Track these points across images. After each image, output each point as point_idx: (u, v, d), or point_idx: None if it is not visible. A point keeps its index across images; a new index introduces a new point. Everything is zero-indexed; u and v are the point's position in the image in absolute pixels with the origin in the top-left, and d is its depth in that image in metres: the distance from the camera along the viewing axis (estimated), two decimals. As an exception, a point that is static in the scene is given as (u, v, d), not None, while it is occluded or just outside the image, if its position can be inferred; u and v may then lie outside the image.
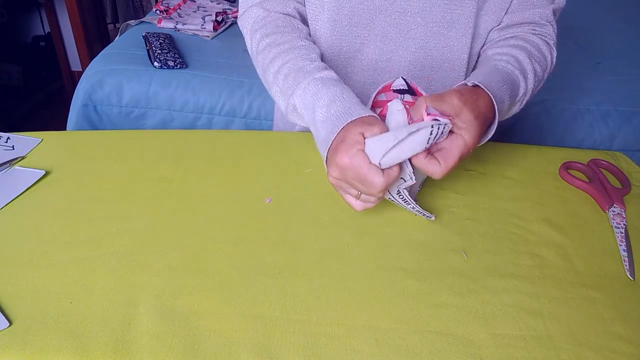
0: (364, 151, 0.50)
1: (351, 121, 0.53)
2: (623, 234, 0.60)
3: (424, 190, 0.66)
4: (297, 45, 0.65)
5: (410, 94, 0.61)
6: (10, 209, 0.60)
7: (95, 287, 0.50)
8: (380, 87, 0.63)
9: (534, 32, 0.71)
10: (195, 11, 1.78)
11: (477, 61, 0.75)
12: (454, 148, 0.52)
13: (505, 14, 0.70)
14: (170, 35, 1.57)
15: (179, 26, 1.64)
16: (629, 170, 0.72)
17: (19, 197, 0.62)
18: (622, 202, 0.65)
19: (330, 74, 0.61)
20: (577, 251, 0.58)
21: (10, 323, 0.46)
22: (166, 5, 1.77)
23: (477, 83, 0.56)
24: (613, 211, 0.64)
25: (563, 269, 0.55)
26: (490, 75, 0.61)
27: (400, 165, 0.51)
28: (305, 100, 0.59)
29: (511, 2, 0.69)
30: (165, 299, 0.49)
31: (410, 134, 0.49)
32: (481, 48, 0.74)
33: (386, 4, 0.67)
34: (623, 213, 0.63)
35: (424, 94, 0.61)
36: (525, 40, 0.69)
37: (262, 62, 0.68)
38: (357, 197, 0.54)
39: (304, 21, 0.73)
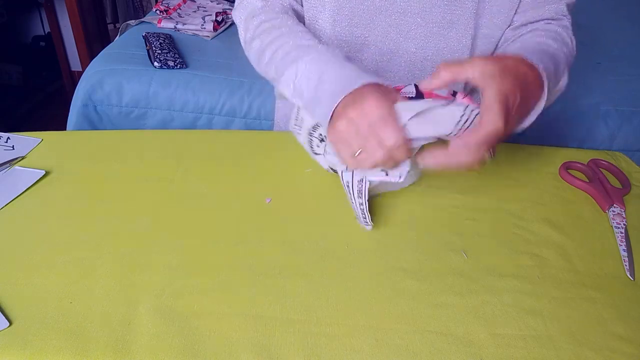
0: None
1: (375, 82, 0.51)
2: (623, 234, 0.60)
3: (424, 190, 0.66)
4: (297, 30, 0.65)
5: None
6: (10, 209, 0.60)
7: (95, 287, 0.50)
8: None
9: (549, 23, 0.69)
10: (195, 11, 1.78)
11: None
12: (490, 99, 0.46)
13: (517, 13, 0.69)
14: (170, 35, 1.57)
15: (179, 26, 1.64)
16: (629, 170, 0.72)
17: (19, 197, 0.62)
18: (622, 202, 0.65)
19: (337, 49, 0.59)
20: (577, 251, 0.58)
21: (10, 323, 0.46)
22: (166, 5, 1.77)
23: (523, 57, 0.51)
24: (613, 211, 0.64)
25: (563, 269, 0.55)
26: (522, 50, 0.57)
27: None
28: (311, 67, 0.57)
29: (520, 1, 0.68)
30: (165, 299, 0.49)
31: (439, 107, 0.48)
32: (494, 50, 0.73)
33: (386, 4, 0.67)
34: (623, 213, 0.63)
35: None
36: (545, 30, 0.67)
37: (258, 45, 0.66)
38: (354, 155, 0.50)
39: (299, 18, 0.73)
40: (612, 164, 0.72)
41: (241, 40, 0.72)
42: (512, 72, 0.49)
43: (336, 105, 0.51)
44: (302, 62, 0.58)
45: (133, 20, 1.73)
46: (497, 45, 0.73)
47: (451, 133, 0.49)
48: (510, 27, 0.71)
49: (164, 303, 0.49)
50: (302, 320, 0.48)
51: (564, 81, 0.61)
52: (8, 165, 0.67)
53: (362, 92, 0.50)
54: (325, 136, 0.60)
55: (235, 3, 0.74)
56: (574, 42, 0.68)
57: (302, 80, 0.58)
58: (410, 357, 0.45)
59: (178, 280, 0.51)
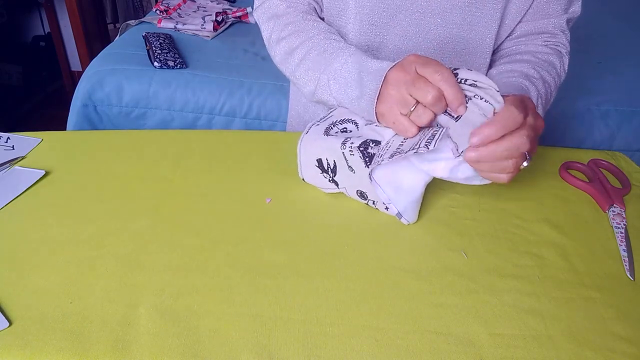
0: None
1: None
2: (623, 234, 0.60)
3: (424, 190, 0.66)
4: (324, 29, 0.68)
5: None
6: (10, 209, 0.60)
7: (95, 287, 0.50)
8: None
9: (545, 43, 0.71)
10: (195, 11, 1.78)
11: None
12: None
13: (520, 22, 0.70)
14: (170, 35, 1.57)
15: (179, 26, 1.64)
16: (629, 170, 0.72)
17: (19, 197, 0.62)
18: (622, 202, 0.65)
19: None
20: (577, 251, 0.58)
21: (10, 323, 0.46)
22: (166, 5, 1.78)
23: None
24: (613, 211, 0.64)
25: (563, 269, 0.55)
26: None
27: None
28: (350, 65, 0.61)
29: (528, 9, 0.68)
30: (165, 299, 0.49)
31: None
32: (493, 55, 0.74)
33: (407, 3, 0.67)
34: (623, 213, 0.63)
35: None
36: (530, 53, 0.69)
37: (285, 48, 0.69)
38: (409, 114, 0.53)
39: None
40: (612, 164, 0.72)
41: (265, 40, 0.74)
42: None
43: (383, 78, 0.55)
44: (337, 63, 0.62)
45: (133, 20, 1.73)
46: (494, 52, 0.73)
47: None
48: (511, 36, 0.71)
49: (164, 303, 0.49)
50: (302, 320, 0.48)
51: (540, 110, 0.65)
52: (8, 165, 0.67)
53: (404, 58, 0.54)
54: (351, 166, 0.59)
55: (256, 3, 0.76)
56: (565, 64, 0.70)
57: (341, 73, 0.61)
58: (410, 357, 0.45)
59: (178, 280, 0.51)
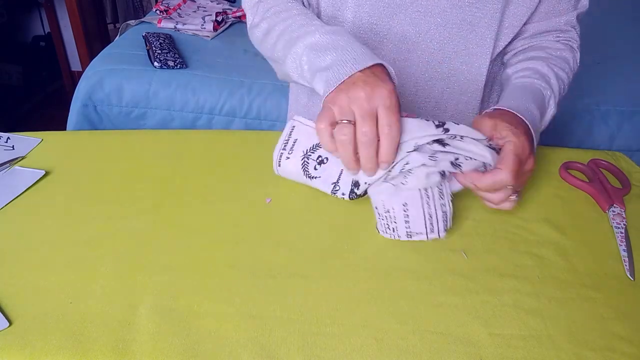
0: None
1: (387, 67, 0.52)
2: (623, 234, 0.60)
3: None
4: (308, 12, 0.64)
5: None
6: (10, 209, 0.60)
7: (95, 287, 0.50)
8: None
9: (557, 39, 0.72)
10: (195, 11, 1.78)
11: (500, 66, 0.76)
12: (507, 151, 0.53)
13: (529, 23, 0.71)
14: (170, 35, 1.57)
15: (179, 26, 1.65)
16: (629, 170, 0.72)
17: (19, 197, 0.62)
18: (622, 202, 0.65)
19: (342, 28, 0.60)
20: (577, 251, 0.58)
21: (10, 323, 0.46)
22: (166, 5, 1.78)
23: (498, 107, 0.59)
24: (613, 211, 0.64)
25: (563, 269, 0.55)
26: (509, 96, 0.63)
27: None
28: (326, 36, 0.56)
29: (535, 9, 0.69)
30: (165, 299, 0.49)
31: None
32: (501, 55, 0.74)
33: (407, 2, 0.67)
34: (623, 213, 0.63)
35: None
36: (544, 49, 0.70)
37: (265, 26, 0.66)
38: (334, 126, 0.50)
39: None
40: (612, 164, 0.72)
41: (247, 25, 0.72)
42: (521, 127, 0.56)
43: (352, 73, 0.50)
44: (318, 33, 0.57)
45: (133, 20, 1.73)
46: (504, 52, 0.74)
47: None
48: (521, 36, 0.71)
49: (164, 303, 0.49)
50: (302, 320, 0.48)
51: (549, 116, 0.67)
52: (8, 165, 0.67)
53: (382, 72, 0.51)
54: (325, 158, 0.59)
55: None
56: (577, 58, 0.72)
57: (318, 42, 0.56)
58: (410, 357, 0.45)
59: (178, 280, 0.51)
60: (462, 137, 0.53)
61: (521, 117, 0.58)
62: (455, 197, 0.65)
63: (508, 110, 0.59)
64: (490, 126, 0.55)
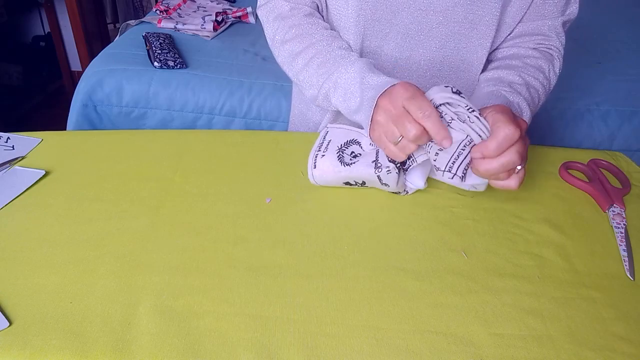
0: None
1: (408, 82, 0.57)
2: (623, 234, 0.60)
3: (424, 190, 0.66)
4: (328, 34, 0.70)
5: None
6: (10, 209, 0.60)
7: (95, 287, 0.50)
8: None
9: (537, 45, 0.72)
10: (195, 11, 1.78)
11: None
12: (494, 111, 0.54)
13: (520, 22, 0.71)
14: (170, 35, 1.57)
15: (179, 26, 1.64)
16: (629, 170, 0.72)
17: (19, 197, 0.62)
18: (622, 202, 0.65)
19: (368, 60, 0.66)
20: (577, 251, 0.58)
21: (10, 323, 0.46)
22: (166, 5, 1.77)
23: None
24: (613, 211, 0.64)
25: (563, 269, 0.55)
26: (480, 99, 0.64)
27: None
28: (349, 77, 0.64)
29: (527, 9, 0.69)
30: (165, 299, 0.49)
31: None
32: (490, 55, 0.74)
33: (409, 1, 0.67)
34: (623, 213, 0.63)
35: None
36: (519, 58, 0.70)
37: (289, 51, 0.71)
38: (396, 144, 0.55)
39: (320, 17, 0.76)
40: (612, 164, 0.72)
41: (268, 39, 0.75)
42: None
43: (375, 103, 0.58)
44: (335, 74, 0.65)
45: (133, 20, 1.73)
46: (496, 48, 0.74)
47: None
48: (509, 35, 0.72)
49: (164, 303, 0.49)
50: (302, 320, 0.48)
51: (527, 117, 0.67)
52: (8, 165, 0.67)
53: (393, 86, 0.57)
54: (359, 154, 0.63)
55: (260, 1, 0.76)
56: (556, 67, 0.72)
57: (343, 83, 0.65)
58: (410, 357, 0.45)
59: (178, 280, 0.51)
60: (473, 110, 0.55)
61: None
62: (456, 196, 0.65)
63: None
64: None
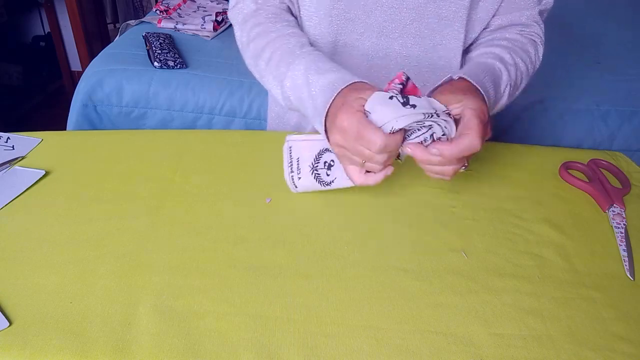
0: (363, 112, 0.51)
1: (347, 86, 0.54)
2: (623, 234, 0.60)
3: (424, 190, 0.66)
4: (286, 33, 0.67)
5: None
6: (10, 209, 0.60)
7: (95, 287, 0.50)
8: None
9: (521, 32, 0.72)
10: (195, 11, 1.78)
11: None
12: (470, 116, 0.51)
13: (495, 15, 0.71)
14: (170, 35, 1.57)
15: (179, 26, 1.64)
16: (629, 170, 0.72)
17: (19, 197, 0.62)
18: (622, 202, 0.65)
19: (320, 53, 0.63)
20: (577, 251, 0.58)
21: (10, 323, 0.46)
22: (166, 5, 1.77)
23: (462, 75, 0.58)
24: (613, 211, 0.64)
25: (563, 269, 0.55)
26: (471, 68, 0.62)
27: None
28: (298, 80, 0.61)
29: (500, 3, 0.69)
30: (165, 299, 0.49)
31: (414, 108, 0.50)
32: (469, 46, 0.75)
33: None
34: (623, 213, 0.63)
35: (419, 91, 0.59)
36: (509, 40, 0.70)
37: (253, 51, 0.69)
38: (362, 166, 0.54)
39: (293, 16, 0.74)
40: (612, 164, 0.72)
41: (238, 43, 0.74)
42: (480, 97, 0.55)
43: (325, 119, 0.56)
44: (287, 77, 0.62)
45: (133, 20, 1.73)
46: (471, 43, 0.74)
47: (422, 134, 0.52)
48: (487, 29, 0.72)
49: (164, 303, 0.49)
50: (302, 320, 0.48)
51: (501, 104, 0.66)
52: (8, 165, 0.67)
53: (334, 113, 0.53)
54: (331, 161, 0.62)
55: (230, 4, 0.75)
56: (540, 53, 0.72)
57: (294, 89, 0.62)
58: (410, 357, 0.45)
59: (178, 280, 0.51)
60: (437, 113, 0.52)
61: (477, 86, 0.57)
62: (456, 196, 0.65)
63: (466, 79, 0.58)
64: (447, 93, 0.54)
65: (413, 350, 0.45)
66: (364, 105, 0.51)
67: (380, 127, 0.50)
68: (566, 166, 0.72)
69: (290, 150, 0.62)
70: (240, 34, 0.72)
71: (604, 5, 1.96)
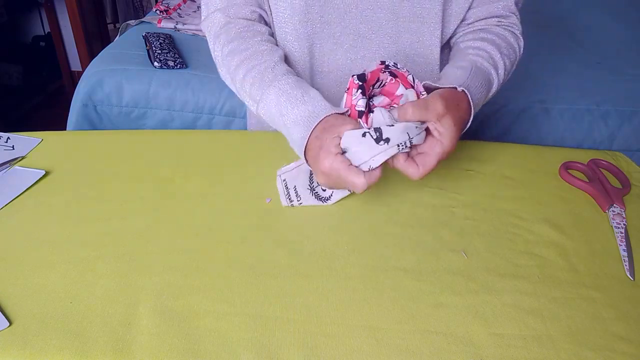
0: (342, 154, 0.53)
1: (319, 123, 0.55)
2: (623, 234, 0.60)
3: (424, 190, 0.66)
4: (259, 50, 0.66)
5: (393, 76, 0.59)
6: (10, 209, 0.60)
7: (95, 287, 0.50)
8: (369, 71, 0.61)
9: (499, 24, 0.73)
10: (195, 11, 1.78)
11: (448, 53, 0.76)
12: (433, 154, 0.55)
13: (471, 9, 0.71)
14: (170, 35, 1.57)
15: (179, 26, 1.64)
16: (629, 170, 0.72)
17: (19, 197, 0.62)
18: (622, 202, 0.65)
19: (291, 78, 0.62)
20: (577, 251, 0.58)
21: (10, 323, 0.46)
22: (166, 5, 1.77)
23: (463, 89, 0.59)
24: (613, 211, 0.64)
25: (563, 269, 0.55)
26: (474, 78, 0.63)
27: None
28: (271, 109, 0.61)
29: None
30: (165, 299, 0.49)
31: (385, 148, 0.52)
32: (449, 41, 0.75)
33: (356, 0, 0.67)
34: (623, 213, 0.63)
35: (409, 78, 0.59)
36: (494, 34, 0.71)
37: (227, 68, 0.69)
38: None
39: (266, 25, 0.73)
40: (612, 164, 0.72)
41: (212, 56, 0.73)
42: (461, 123, 0.57)
43: (304, 154, 0.57)
44: (261, 103, 0.62)
45: (133, 20, 1.73)
46: (450, 37, 0.74)
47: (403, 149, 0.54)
48: (464, 22, 0.73)
49: (164, 303, 0.49)
50: (302, 320, 0.48)
51: (495, 87, 0.67)
52: (8, 165, 0.67)
53: (315, 156, 0.55)
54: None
55: (202, 16, 0.74)
56: (521, 44, 0.73)
57: (270, 116, 0.62)
58: (410, 357, 0.45)
59: (178, 280, 0.51)
60: (410, 140, 0.53)
61: (470, 99, 0.59)
62: (456, 196, 0.65)
63: (467, 97, 0.59)
64: (439, 115, 0.54)
65: (413, 350, 0.45)
66: (340, 144, 0.53)
67: (359, 166, 0.52)
68: (566, 166, 0.72)
69: (286, 183, 0.62)
70: (213, 48, 0.72)
71: (604, 5, 1.96)
